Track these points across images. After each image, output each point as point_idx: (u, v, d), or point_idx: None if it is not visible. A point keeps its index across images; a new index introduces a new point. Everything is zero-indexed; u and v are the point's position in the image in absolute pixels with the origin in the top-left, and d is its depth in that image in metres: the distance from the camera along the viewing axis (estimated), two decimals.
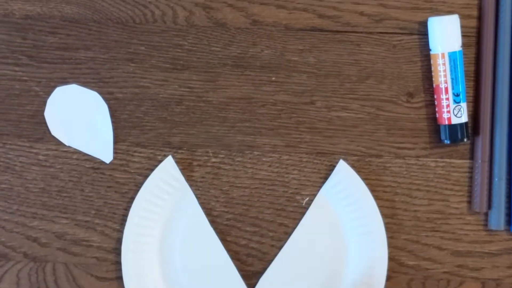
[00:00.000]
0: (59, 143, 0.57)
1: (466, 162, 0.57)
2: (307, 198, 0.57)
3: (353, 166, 0.57)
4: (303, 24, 0.58)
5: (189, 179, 0.57)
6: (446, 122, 0.55)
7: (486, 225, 0.57)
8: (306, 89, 0.57)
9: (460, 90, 0.55)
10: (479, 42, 0.57)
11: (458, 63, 0.55)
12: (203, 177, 0.57)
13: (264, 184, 0.57)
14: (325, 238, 0.56)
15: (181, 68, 0.58)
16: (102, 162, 0.57)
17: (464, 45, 0.57)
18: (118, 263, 0.57)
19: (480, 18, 0.57)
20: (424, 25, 0.57)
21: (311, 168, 0.57)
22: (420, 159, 0.57)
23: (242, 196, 0.57)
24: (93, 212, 0.57)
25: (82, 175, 0.57)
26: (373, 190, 0.57)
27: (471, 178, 0.57)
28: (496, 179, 0.56)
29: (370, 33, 0.57)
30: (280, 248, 0.57)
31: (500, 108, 0.56)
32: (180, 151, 0.57)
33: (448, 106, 0.55)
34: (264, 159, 0.57)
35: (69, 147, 0.57)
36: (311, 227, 0.56)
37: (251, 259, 0.57)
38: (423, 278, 0.56)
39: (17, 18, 0.58)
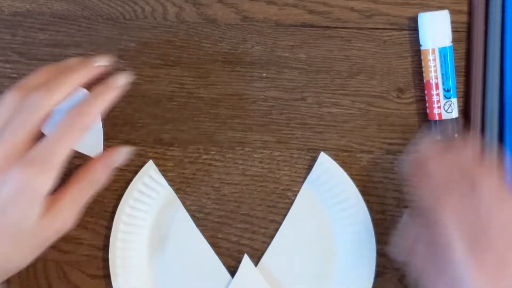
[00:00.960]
0: None
1: None
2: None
3: (343, 162, 0.57)
4: (294, 20, 0.58)
5: (180, 175, 0.57)
6: (437, 118, 0.55)
7: None
8: (297, 85, 0.57)
9: (451, 85, 0.55)
10: (470, 37, 0.57)
11: (448, 58, 0.55)
12: (194, 174, 0.57)
13: (255, 180, 0.57)
14: (313, 231, 0.56)
15: (171, 64, 0.58)
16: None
17: (454, 40, 0.57)
18: (109, 260, 0.56)
19: (470, 13, 0.57)
20: (414, 20, 0.57)
21: (302, 164, 0.57)
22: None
23: (233, 192, 0.57)
24: (84, 209, 0.57)
25: (72, 172, 0.57)
26: (364, 186, 0.57)
27: None
28: None
29: (361, 28, 0.57)
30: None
31: (491, 103, 0.56)
32: (171, 148, 0.57)
33: (438, 101, 0.55)
34: (255, 156, 0.57)
35: None
36: (297, 222, 0.56)
37: (243, 256, 0.57)
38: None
39: (6, 15, 0.58)
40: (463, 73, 0.57)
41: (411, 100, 0.57)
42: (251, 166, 0.57)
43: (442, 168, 0.47)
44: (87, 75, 0.50)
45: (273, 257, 0.56)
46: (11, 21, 0.58)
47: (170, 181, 0.57)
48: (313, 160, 0.57)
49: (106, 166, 0.51)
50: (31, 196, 0.46)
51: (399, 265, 0.56)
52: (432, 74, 0.55)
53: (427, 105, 0.56)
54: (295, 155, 0.57)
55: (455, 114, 0.56)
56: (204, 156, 0.57)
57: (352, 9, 0.57)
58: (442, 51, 0.55)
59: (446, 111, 0.55)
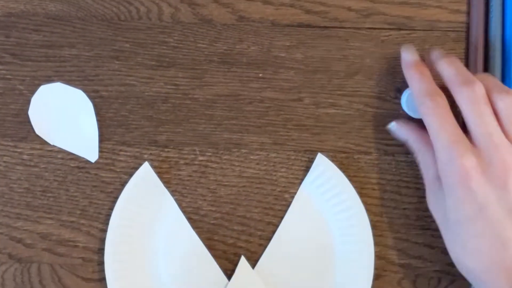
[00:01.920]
0: (43, 142, 0.57)
1: None
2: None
3: (341, 163, 0.56)
4: (290, 20, 0.57)
5: (175, 177, 0.56)
6: None
7: None
8: (293, 86, 0.57)
9: None
10: (468, 37, 0.56)
11: None
12: (190, 176, 0.56)
13: (252, 182, 0.56)
14: (310, 234, 0.55)
15: (166, 65, 0.57)
16: (87, 161, 0.57)
17: (453, 40, 0.56)
18: (104, 263, 0.56)
19: (469, 13, 0.57)
20: (412, 20, 0.56)
21: (299, 166, 0.56)
22: (409, 156, 0.56)
23: (230, 194, 0.56)
24: (79, 212, 0.56)
25: (67, 174, 0.56)
26: (361, 188, 0.56)
27: None
28: None
29: (358, 28, 0.57)
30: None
31: None
32: (166, 149, 0.57)
33: None
34: (251, 157, 0.57)
35: (54, 146, 0.57)
36: (294, 224, 0.56)
37: (239, 258, 0.56)
38: (414, 276, 0.56)
39: (0, 16, 0.57)
40: None
41: None
42: (247, 167, 0.57)
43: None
44: None
45: (270, 260, 0.55)
46: (4, 22, 0.57)
47: (166, 182, 0.56)
48: (310, 161, 0.56)
49: None
50: None
51: (398, 268, 0.56)
52: None
53: None
54: (292, 157, 0.56)
55: None
56: (200, 158, 0.57)
57: (349, 9, 0.57)
58: None
59: None
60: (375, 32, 0.57)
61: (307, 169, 0.56)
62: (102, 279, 0.56)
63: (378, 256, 0.55)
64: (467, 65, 0.56)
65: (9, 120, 0.57)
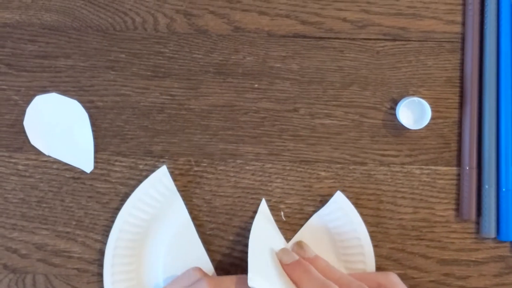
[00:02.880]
0: (38, 152, 0.57)
1: (451, 169, 0.56)
2: (282, 213, 0.56)
3: (337, 174, 0.56)
4: (286, 30, 0.57)
5: None
6: None
7: (472, 233, 0.56)
8: (289, 96, 0.57)
9: None
10: (464, 48, 0.57)
11: None
12: (185, 186, 0.56)
13: (247, 192, 0.56)
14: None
15: (162, 75, 0.57)
16: (82, 172, 0.56)
17: (448, 51, 0.57)
18: (100, 275, 0.56)
19: (464, 23, 0.57)
20: (407, 31, 0.57)
21: (295, 177, 0.56)
22: (405, 166, 0.56)
23: (225, 205, 0.56)
24: (74, 223, 0.56)
25: (62, 185, 0.56)
26: (357, 199, 0.56)
27: (456, 185, 0.56)
28: (487, 186, 0.55)
29: (353, 39, 0.57)
30: None
31: (488, 113, 0.56)
32: (161, 159, 0.56)
33: None
34: (247, 168, 0.57)
35: (49, 156, 0.56)
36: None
37: (235, 268, 0.56)
38: (410, 287, 0.56)
39: None
40: (457, 84, 0.57)
41: None
42: (243, 178, 0.56)
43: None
44: None
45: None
46: (0, 32, 0.57)
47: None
48: (306, 172, 0.56)
49: None
50: None
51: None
52: None
53: None
54: (288, 167, 0.56)
55: None
56: (196, 168, 0.56)
57: (344, 20, 0.57)
58: None
59: None
60: (370, 43, 0.57)
61: (302, 179, 0.56)
62: None
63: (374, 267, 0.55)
64: (463, 75, 0.56)
65: (4, 131, 0.57)
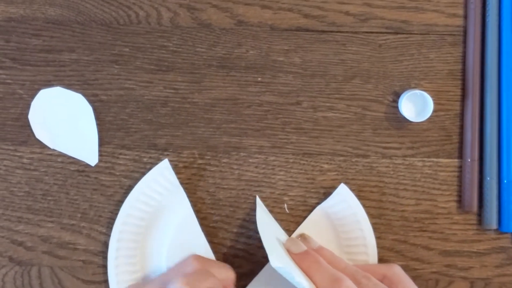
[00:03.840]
0: (43, 146, 0.57)
1: (453, 161, 0.57)
2: (285, 205, 0.57)
3: (339, 167, 0.56)
4: (288, 24, 0.57)
5: None
6: None
7: (474, 224, 0.56)
8: (292, 90, 0.57)
9: None
10: (466, 41, 0.57)
11: None
12: (189, 179, 0.57)
13: (251, 185, 0.57)
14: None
15: (166, 69, 0.57)
16: (87, 165, 0.57)
17: (450, 44, 0.57)
18: (105, 266, 0.56)
19: (466, 16, 0.57)
20: (409, 24, 0.57)
21: (298, 169, 0.57)
22: (407, 158, 0.57)
23: (229, 197, 0.57)
24: (79, 215, 0.57)
25: (67, 178, 0.57)
26: (359, 191, 0.56)
27: (458, 177, 0.57)
28: (488, 178, 0.55)
29: (356, 32, 0.57)
30: None
31: (490, 106, 0.56)
32: (165, 153, 0.57)
33: None
34: (250, 160, 0.57)
35: (54, 150, 0.57)
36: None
37: (239, 261, 0.56)
38: (412, 278, 0.56)
39: (0, 21, 0.57)
40: (459, 77, 0.57)
41: None
42: (246, 171, 0.57)
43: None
44: None
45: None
46: (4, 26, 0.57)
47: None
48: (309, 164, 0.57)
49: None
50: None
51: None
52: None
53: None
54: (291, 160, 0.57)
55: None
56: (199, 161, 0.57)
57: (347, 13, 0.57)
58: None
59: None
60: (373, 36, 0.57)
61: (305, 172, 0.57)
62: (102, 282, 0.56)
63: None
64: (465, 68, 0.57)
65: (9, 124, 0.57)
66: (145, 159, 0.57)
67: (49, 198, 0.57)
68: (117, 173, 0.57)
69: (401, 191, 0.56)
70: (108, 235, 0.56)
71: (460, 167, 0.57)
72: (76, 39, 0.57)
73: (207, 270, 0.50)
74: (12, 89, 0.57)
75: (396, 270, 0.52)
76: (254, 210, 0.57)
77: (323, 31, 0.57)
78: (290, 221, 0.57)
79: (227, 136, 0.57)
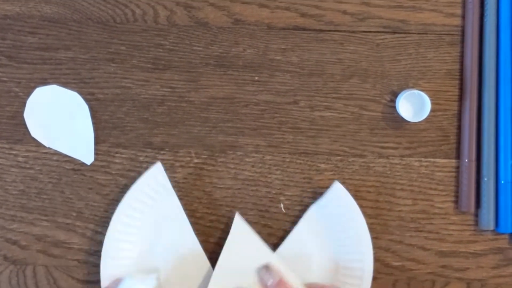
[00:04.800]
0: (39, 144, 0.57)
1: (450, 162, 0.56)
2: (282, 204, 0.56)
3: (336, 166, 0.56)
4: (286, 23, 0.57)
5: (171, 180, 0.56)
6: None
7: (471, 225, 0.56)
8: (289, 89, 0.57)
9: None
10: (464, 41, 0.57)
11: None
12: (185, 178, 0.57)
13: (247, 184, 0.57)
14: (313, 251, 0.55)
15: (162, 68, 0.57)
16: (82, 164, 0.57)
17: (448, 43, 0.57)
18: (100, 266, 0.56)
19: (464, 16, 0.57)
20: (407, 23, 0.57)
21: (294, 168, 0.57)
22: (403, 158, 0.56)
23: (225, 197, 0.57)
24: (74, 214, 0.56)
25: (62, 176, 0.57)
26: (356, 191, 0.56)
27: (455, 177, 0.56)
28: (485, 179, 0.55)
29: (353, 32, 0.57)
30: None
31: (487, 106, 0.56)
32: (162, 151, 0.57)
33: None
34: (247, 160, 0.57)
35: (49, 148, 0.57)
36: (297, 242, 0.55)
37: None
38: (408, 279, 0.56)
39: None
40: (457, 77, 0.57)
41: None
42: (243, 170, 0.57)
43: None
44: None
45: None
46: (0, 24, 0.57)
47: None
48: (305, 164, 0.56)
49: None
50: None
51: (392, 270, 0.56)
52: None
53: None
54: (287, 159, 0.57)
55: None
56: (196, 160, 0.57)
57: (344, 12, 0.57)
58: None
59: None
60: (370, 36, 0.57)
61: (302, 171, 0.56)
62: (97, 281, 0.56)
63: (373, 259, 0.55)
64: (462, 68, 0.57)
65: (4, 122, 0.57)
66: (141, 158, 0.57)
67: (44, 196, 0.56)
68: (113, 172, 0.57)
69: (398, 191, 0.56)
70: (103, 234, 0.56)
71: (457, 167, 0.56)
72: (72, 37, 0.57)
73: None
74: (8, 87, 0.57)
75: None
76: (255, 205, 0.56)
77: (321, 30, 0.57)
78: (286, 221, 0.56)
79: (224, 135, 0.57)
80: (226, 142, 0.57)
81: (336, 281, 0.55)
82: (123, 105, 0.57)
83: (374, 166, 0.56)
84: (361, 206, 0.55)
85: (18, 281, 0.56)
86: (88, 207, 0.56)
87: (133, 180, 0.55)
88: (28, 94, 0.57)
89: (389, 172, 0.56)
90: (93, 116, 0.57)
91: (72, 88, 0.57)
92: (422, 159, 0.56)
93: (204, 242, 0.56)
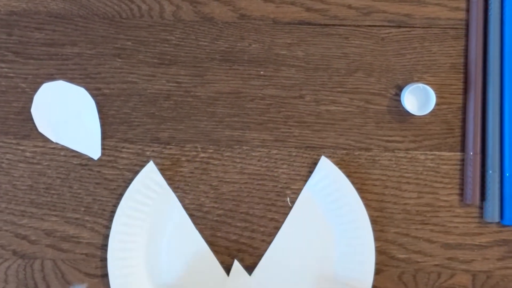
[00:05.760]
0: (46, 139, 0.57)
1: (455, 155, 0.57)
2: (288, 198, 0.57)
3: (342, 160, 0.57)
4: (291, 17, 0.57)
5: (177, 174, 0.57)
6: None
7: (476, 217, 0.56)
8: (294, 83, 0.57)
9: None
10: (468, 34, 0.57)
11: None
12: (192, 173, 0.57)
13: (254, 179, 0.57)
14: (312, 235, 0.56)
15: (168, 63, 0.57)
16: (90, 159, 0.57)
17: (452, 37, 0.57)
18: (107, 260, 0.56)
19: (468, 10, 0.57)
20: (412, 17, 0.57)
21: (300, 162, 0.57)
22: (409, 152, 0.57)
23: (232, 191, 0.57)
24: (83, 209, 0.57)
25: (70, 171, 0.57)
26: (362, 184, 0.56)
27: (460, 170, 0.57)
28: (490, 171, 0.56)
29: (358, 26, 0.57)
30: (270, 243, 0.56)
31: (492, 99, 0.56)
32: (168, 146, 0.57)
33: None
34: (253, 154, 0.57)
35: (57, 143, 0.57)
36: (297, 225, 0.56)
37: (242, 254, 0.57)
38: (414, 271, 0.56)
39: (2, 14, 0.57)
40: (462, 70, 0.57)
41: None
42: (249, 164, 0.57)
43: None
44: None
45: (273, 258, 0.56)
46: (7, 20, 0.57)
47: (168, 179, 0.57)
48: (311, 158, 0.57)
49: None
50: None
51: (398, 262, 0.56)
52: None
53: None
54: (294, 153, 0.57)
55: None
56: (202, 155, 0.57)
57: (349, 7, 0.57)
58: None
59: None
60: (375, 30, 0.57)
61: (308, 165, 0.57)
62: (105, 275, 0.56)
63: (379, 251, 0.56)
64: (467, 61, 0.57)
65: (11, 118, 0.57)
66: (148, 153, 0.57)
67: (52, 192, 0.57)
68: (120, 167, 0.57)
69: (404, 184, 0.57)
70: (111, 229, 0.56)
71: (462, 160, 0.57)
72: (79, 33, 0.57)
73: None
74: (15, 83, 0.57)
75: None
76: (262, 199, 0.57)
77: (326, 25, 0.57)
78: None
79: (230, 130, 0.57)
80: (232, 136, 0.57)
81: (338, 252, 0.56)
82: (129, 100, 0.57)
83: (379, 160, 0.57)
84: (366, 200, 0.56)
85: (25, 275, 0.57)
86: (96, 201, 0.57)
87: None
88: (35, 90, 0.57)
89: (394, 166, 0.57)
90: (100, 111, 0.57)
91: (78, 84, 0.57)
92: (428, 152, 0.57)
93: (211, 237, 0.56)
